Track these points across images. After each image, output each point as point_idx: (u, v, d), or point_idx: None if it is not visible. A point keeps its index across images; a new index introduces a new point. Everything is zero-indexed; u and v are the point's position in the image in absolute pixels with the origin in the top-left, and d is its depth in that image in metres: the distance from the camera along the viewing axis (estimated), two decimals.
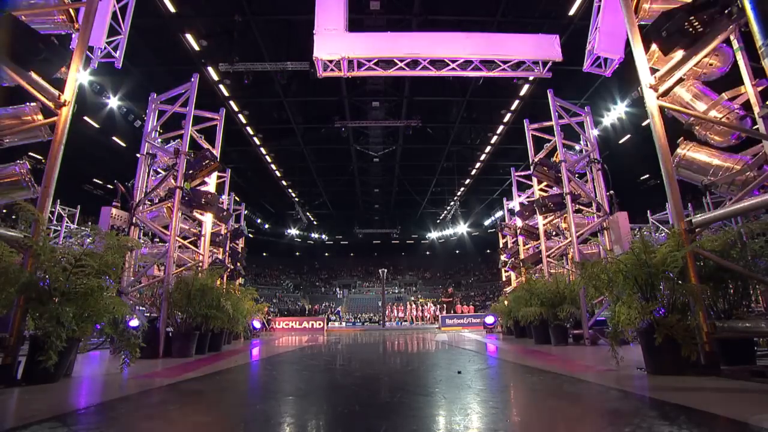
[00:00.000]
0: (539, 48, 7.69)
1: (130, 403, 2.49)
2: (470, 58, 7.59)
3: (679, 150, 4.06)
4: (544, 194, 9.09)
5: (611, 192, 7.99)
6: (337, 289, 42.84)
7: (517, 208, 10.99)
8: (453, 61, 7.61)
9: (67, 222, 14.05)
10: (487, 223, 36.80)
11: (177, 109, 7.24)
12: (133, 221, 6.79)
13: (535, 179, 9.58)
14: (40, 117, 3.99)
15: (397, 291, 41.32)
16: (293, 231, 40.30)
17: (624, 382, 2.92)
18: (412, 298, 36.28)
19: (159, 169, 7.89)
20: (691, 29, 3.32)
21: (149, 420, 2.08)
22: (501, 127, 19.63)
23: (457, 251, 44.93)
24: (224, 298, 5.98)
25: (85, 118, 16.07)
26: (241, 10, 12.35)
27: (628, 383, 2.87)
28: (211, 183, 8.08)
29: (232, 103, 16.89)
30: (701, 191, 4.16)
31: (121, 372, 3.51)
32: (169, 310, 5.63)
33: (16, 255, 3.28)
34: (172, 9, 11.99)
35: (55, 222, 13.59)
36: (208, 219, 7.76)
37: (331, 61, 7.43)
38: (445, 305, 29.21)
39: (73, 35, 4.57)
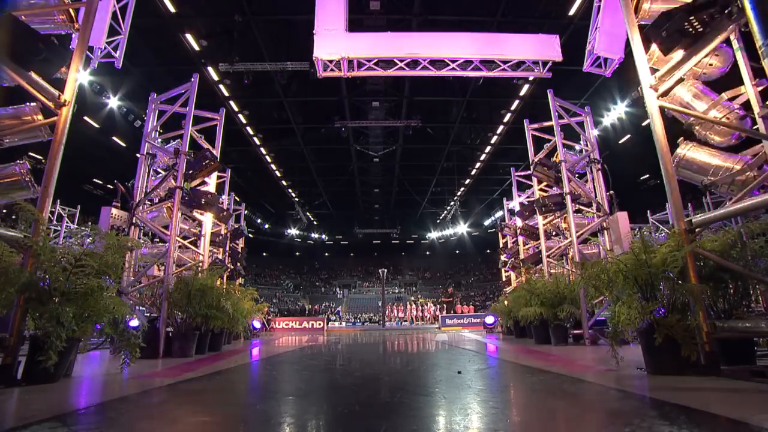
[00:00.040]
0: (539, 48, 7.69)
1: (130, 403, 2.49)
2: (470, 58, 7.59)
3: (679, 150, 4.05)
4: (544, 194, 9.09)
5: (611, 192, 7.99)
6: (337, 289, 42.85)
7: (517, 208, 11.00)
8: (453, 61, 7.61)
9: (67, 222, 14.05)
10: (487, 223, 36.81)
11: (177, 109, 7.24)
12: (133, 221, 6.79)
13: (535, 179, 9.58)
14: (40, 117, 3.99)
15: (397, 291, 41.32)
16: (293, 231, 40.31)
17: (624, 382, 2.92)
18: (412, 298, 36.28)
19: (159, 169, 7.89)
20: (691, 29, 3.32)
21: (149, 420, 2.09)
22: (501, 127, 19.62)
23: (457, 251, 44.93)
24: (224, 298, 5.98)
25: (85, 118, 16.06)
26: (241, 10, 12.35)
27: (628, 383, 2.86)
28: (211, 183, 8.08)
29: (232, 103, 16.89)
30: (701, 191, 4.16)
31: (121, 372, 3.51)
32: (169, 310, 5.63)
33: (16, 255, 3.28)
34: (172, 9, 11.99)
35: (55, 222, 13.59)
36: (208, 219, 7.76)
37: (331, 61, 7.43)
38: (445, 305, 29.21)
39: (73, 35, 4.57)
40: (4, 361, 3.05)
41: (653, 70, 3.91)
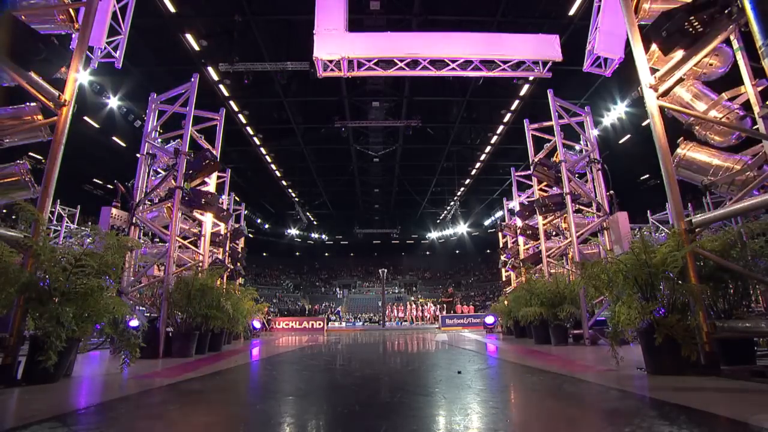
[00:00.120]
0: (539, 48, 7.69)
1: (130, 403, 2.49)
2: (470, 58, 7.59)
3: (679, 150, 4.06)
4: (544, 194, 9.09)
5: (611, 192, 7.99)
6: (337, 289, 42.86)
7: (517, 208, 10.99)
8: (453, 61, 7.61)
9: (67, 222, 14.05)
10: (487, 223, 36.83)
11: (177, 109, 7.24)
12: (133, 221, 6.78)
13: (535, 179, 9.58)
14: (40, 117, 3.99)
15: (397, 291, 41.33)
16: (293, 231, 40.33)
17: (624, 382, 2.92)
18: (412, 298, 36.29)
19: (159, 169, 7.89)
20: (691, 29, 3.32)
21: (149, 420, 2.08)
22: (501, 127, 19.63)
23: (457, 251, 44.95)
24: (224, 298, 5.98)
25: (85, 118, 16.07)
26: (241, 10, 12.35)
27: (628, 383, 2.86)
28: (211, 183, 8.08)
29: (232, 103, 16.89)
30: (701, 191, 4.16)
31: (121, 372, 3.51)
32: (169, 310, 5.63)
33: (16, 255, 3.28)
34: (172, 9, 12.00)
35: (55, 222, 13.59)
36: (208, 219, 7.76)
37: (331, 61, 7.43)
38: (445, 305, 29.14)
39: (73, 35, 4.57)
40: (4, 361, 3.05)
41: (653, 70, 3.91)
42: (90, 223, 11.61)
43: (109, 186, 19.55)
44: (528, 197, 11.54)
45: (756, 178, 3.46)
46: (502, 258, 12.92)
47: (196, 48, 13.48)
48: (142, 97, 9.83)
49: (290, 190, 30.16)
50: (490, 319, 13.28)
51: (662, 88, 3.79)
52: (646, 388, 2.67)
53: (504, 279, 13.47)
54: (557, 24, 12.32)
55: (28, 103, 4.02)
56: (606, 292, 3.80)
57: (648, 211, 14.91)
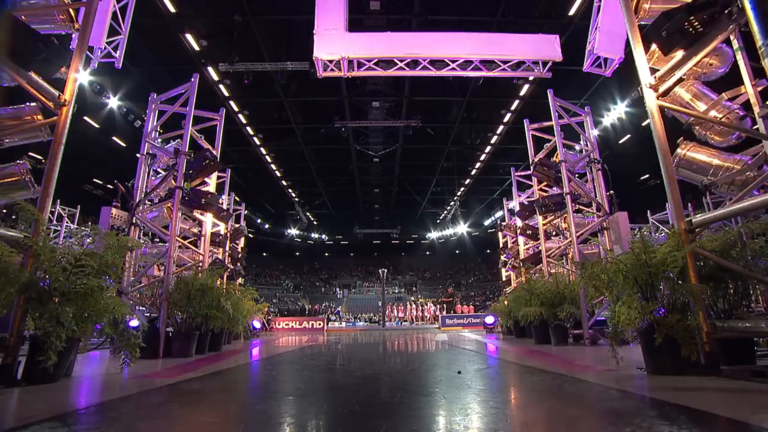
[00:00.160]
0: (539, 48, 7.69)
1: (130, 403, 2.49)
2: (470, 58, 7.59)
3: (679, 150, 4.06)
4: (544, 194, 9.09)
5: (611, 192, 7.99)
6: (337, 289, 42.86)
7: (517, 208, 10.99)
8: (453, 61, 7.61)
9: (67, 222, 14.04)
10: (487, 223, 36.83)
11: (177, 109, 7.24)
12: (133, 221, 6.79)
13: (535, 179, 9.58)
14: (40, 117, 3.99)
15: (397, 291, 41.33)
16: (293, 231, 40.33)
17: (624, 382, 2.92)
18: (412, 298, 36.28)
19: (159, 169, 7.89)
20: (691, 29, 3.32)
21: (149, 420, 2.08)
22: (501, 127, 19.64)
23: (457, 251, 44.95)
24: (224, 298, 5.98)
25: (85, 118, 16.07)
26: (241, 10, 12.36)
27: (628, 383, 2.86)
28: (211, 183, 8.08)
29: (232, 103, 16.89)
30: (701, 191, 4.16)
31: (121, 372, 3.51)
32: (169, 310, 5.63)
33: (16, 255, 3.28)
34: (172, 9, 12.00)
35: (55, 222, 13.58)
36: (208, 219, 7.76)
37: (331, 61, 7.43)
38: (445, 305, 29.14)
39: (73, 35, 4.57)
40: (4, 361, 3.05)
41: (653, 70, 3.91)
42: (90, 223, 11.61)
43: (109, 186, 19.56)
44: (528, 197, 11.53)
45: (756, 178, 3.46)
46: (502, 258, 12.92)
47: (196, 48, 13.48)
48: (142, 97, 9.83)
49: (290, 190, 30.16)
50: (490, 319, 13.28)
51: (662, 88, 3.79)
52: (646, 388, 2.67)
53: (504, 279, 13.47)
54: (557, 24, 12.33)
55: (28, 103, 4.03)
56: (606, 292, 3.80)
57: (648, 211, 14.91)
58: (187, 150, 6.79)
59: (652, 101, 3.77)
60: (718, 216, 3.26)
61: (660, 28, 3.51)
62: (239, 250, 11.34)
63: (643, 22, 4.29)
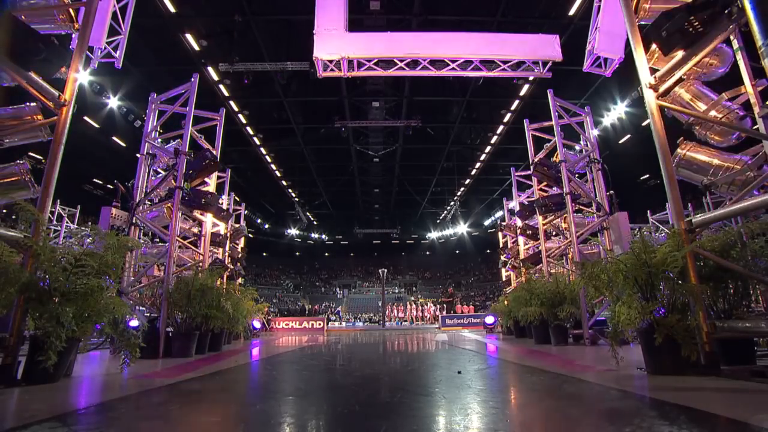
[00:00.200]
0: (539, 48, 7.69)
1: (130, 403, 2.49)
2: (470, 58, 7.59)
3: (679, 150, 4.06)
4: (544, 194, 9.09)
5: (611, 192, 7.99)
6: (337, 289, 42.86)
7: (517, 208, 10.99)
8: (453, 61, 7.61)
9: (67, 222, 14.03)
10: (487, 223, 36.83)
11: (177, 109, 7.24)
12: (133, 221, 6.78)
13: (535, 179, 9.57)
14: (40, 117, 3.99)
15: (397, 291, 41.32)
16: (293, 231, 40.34)
17: (624, 382, 2.92)
18: (412, 298, 36.29)
19: (159, 169, 7.89)
20: (691, 29, 3.32)
21: (149, 420, 2.08)
22: (501, 127, 19.63)
23: (457, 251, 44.94)
24: (224, 298, 5.98)
25: (85, 118, 16.07)
26: (241, 10, 12.35)
27: (628, 383, 2.86)
28: (211, 183, 8.08)
29: (232, 103, 16.89)
30: (701, 191, 4.16)
31: (121, 372, 3.51)
32: (169, 310, 5.62)
33: (16, 255, 3.28)
34: (172, 9, 12.00)
35: (55, 222, 13.58)
36: (208, 219, 7.76)
37: (331, 61, 7.43)
38: (445, 305, 29.15)
39: (73, 35, 4.57)
40: (4, 361, 3.05)
41: (653, 70, 3.91)
42: (90, 223, 11.62)
43: (109, 186, 19.57)
44: (528, 197, 11.53)
45: (756, 178, 3.47)
46: (502, 258, 12.91)
47: (196, 48, 13.48)
48: (142, 97, 9.83)
49: (290, 190, 30.16)
50: (490, 319, 13.27)
51: (662, 88, 3.79)
52: (646, 388, 2.67)
53: (504, 279, 13.47)
54: (557, 24, 12.33)
55: (28, 103, 4.03)
56: (606, 292, 3.80)
57: (648, 211, 14.91)
58: (187, 150, 6.79)
59: (652, 101, 3.77)
60: (718, 216, 3.26)
61: (660, 28, 3.51)
62: (239, 250, 11.34)
63: (643, 22, 4.29)
